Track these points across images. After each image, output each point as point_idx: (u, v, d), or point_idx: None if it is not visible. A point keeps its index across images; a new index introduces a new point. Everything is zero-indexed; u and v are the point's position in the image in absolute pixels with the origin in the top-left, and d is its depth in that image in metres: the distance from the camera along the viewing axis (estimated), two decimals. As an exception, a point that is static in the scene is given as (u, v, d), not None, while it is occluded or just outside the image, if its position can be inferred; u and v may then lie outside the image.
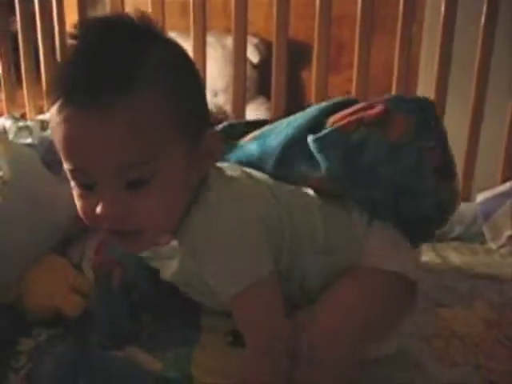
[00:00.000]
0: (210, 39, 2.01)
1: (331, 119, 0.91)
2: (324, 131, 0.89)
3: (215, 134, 0.79)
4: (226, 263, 0.76)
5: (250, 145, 0.96)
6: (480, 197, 1.50)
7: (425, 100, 0.91)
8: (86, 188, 0.72)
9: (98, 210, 0.70)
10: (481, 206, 1.46)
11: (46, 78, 1.47)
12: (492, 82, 1.50)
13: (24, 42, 1.43)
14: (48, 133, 1.19)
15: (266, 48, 2.09)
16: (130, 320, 0.93)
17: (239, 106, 1.53)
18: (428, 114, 0.89)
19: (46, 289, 0.95)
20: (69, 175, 0.73)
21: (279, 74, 1.49)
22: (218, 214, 0.76)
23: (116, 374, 0.86)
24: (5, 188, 0.98)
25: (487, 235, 1.39)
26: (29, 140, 1.13)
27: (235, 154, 0.96)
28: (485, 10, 1.45)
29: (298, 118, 0.95)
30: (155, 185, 0.70)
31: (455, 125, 1.53)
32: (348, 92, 1.59)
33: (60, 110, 0.69)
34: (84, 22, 0.78)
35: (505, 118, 1.53)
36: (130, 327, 0.93)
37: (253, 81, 2.08)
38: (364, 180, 0.89)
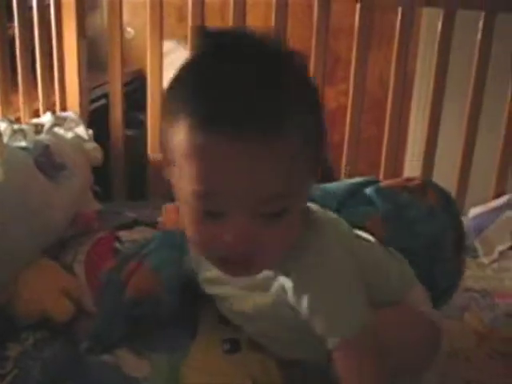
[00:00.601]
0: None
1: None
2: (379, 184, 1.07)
3: None
4: (338, 304, 0.74)
5: None
6: (472, 212, 1.51)
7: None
8: (210, 215, 0.68)
9: (229, 238, 0.67)
10: (473, 221, 1.47)
11: (42, 82, 1.47)
12: (486, 100, 1.51)
13: (21, 46, 1.42)
14: (42, 137, 1.19)
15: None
16: (127, 327, 0.93)
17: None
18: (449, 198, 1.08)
19: (36, 293, 0.94)
20: (193, 201, 0.68)
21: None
22: (329, 255, 0.75)
23: (101, 381, 0.85)
24: (-2, 190, 0.97)
25: (479, 250, 1.40)
26: (23, 143, 1.13)
27: None
28: (481, 26, 1.46)
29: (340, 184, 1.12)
30: (285, 219, 0.69)
31: (449, 139, 1.55)
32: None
33: (206, 136, 0.65)
34: (215, 37, 0.70)
35: (498, 134, 1.54)
36: (125, 332, 0.92)
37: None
38: (406, 231, 0.98)
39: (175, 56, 1.99)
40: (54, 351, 0.89)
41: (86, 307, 1.00)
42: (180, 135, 0.66)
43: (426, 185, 1.08)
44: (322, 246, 0.76)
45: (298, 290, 0.75)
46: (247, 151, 0.64)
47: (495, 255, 1.38)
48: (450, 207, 1.06)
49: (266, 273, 0.76)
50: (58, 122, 1.32)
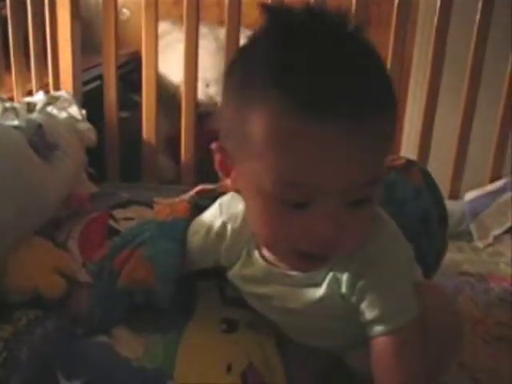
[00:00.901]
0: (203, 30, 1.99)
1: None
2: None
3: None
4: (396, 295, 0.74)
5: None
6: (468, 196, 1.51)
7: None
8: (295, 206, 0.65)
9: (317, 227, 0.65)
10: (469, 205, 1.47)
11: (35, 63, 1.45)
12: (484, 83, 1.50)
13: (13, 26, 1.40)
14: (35, 116, 1.18)
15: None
16: (123, 314, 0.92)
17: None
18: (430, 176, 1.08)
19: (27, 270, 0.93)
20: (278, 191, 0.65)
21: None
22: (394, 243, 0.75)
23: (93, 363, 0.83)
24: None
25: (474, 234, 1.40)
26: (15, 122, 1.11)
27: None
28: (480, 7, 1.45)
29: None
30: (368, 206, 0.68)
31: (446, 123, 1.54)
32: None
33: (302, 121, 0.61)
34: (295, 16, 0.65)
35: (496, 117, 1.54)
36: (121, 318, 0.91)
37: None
38: (396, 210, 0.90)
39: (171, 37, 1.98)
40: (45, 331, 0.88)
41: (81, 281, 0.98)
42: (265, 122, 0.63)
43: (409, 164, 1.06)
44: (388, 234, 0.75)
45: (360, 277, 0.73)
46: (347, 136, 0.61)
47: (490, 239, 1.38)
48: (432, 185, 1.05)
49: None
50: (51, 101, 1.31)
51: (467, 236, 1.39)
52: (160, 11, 1.51)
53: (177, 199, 1.00)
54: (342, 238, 0.66)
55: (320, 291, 0.77)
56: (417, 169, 1.06)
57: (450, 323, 0.81)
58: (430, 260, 0.99)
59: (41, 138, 1.10)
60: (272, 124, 0.62)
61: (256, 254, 0.81)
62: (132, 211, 1.21)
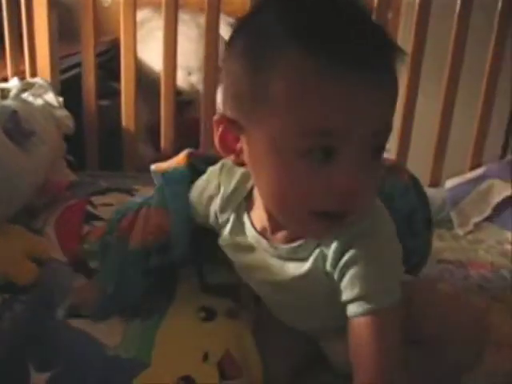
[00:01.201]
0: (184, 17, 1.97)
1: None
2: None
3: None
4: (381, 274, 0.73)
5: None
6: (449, 183, 1.51)
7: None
8: (319, 160, 0.66)
9: (346, 178, 0.65)
10: (449, 193, 1.47)
11: (11, 50, 1.42)
12: (465, 70, 1.50)
13: (8, 11, 1.38)
14: (9, 102, 1.16)
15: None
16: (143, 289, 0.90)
17: (210, 85, 1.51)
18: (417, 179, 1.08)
19: (-1, 255, 0.91)
20: (305, 143, 0.66)
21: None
22: (384, 224, 0.76)
23: (65, 353, 0.81)
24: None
25: (455, 221, 1.40)
26: (-12, 108, 1.09)
27: None
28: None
29: None
30: (380, 161, 0.70)
31: (426, 110, 1.54)
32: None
33: (328, 69, 0.64)
34: None
35: (476, 105, 1.54)
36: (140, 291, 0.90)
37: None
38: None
39: (152, 25, 1.96)
40: (13, 315, 0.86)
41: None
42: (290, 75, 0.65)
43: (397, 164, 1.11)
44: (380, 213, 0.76)
45: (346, 252, 0.73)
46: (372, 83, 0.65)
47: (470, 226, 1.39)
48: (418, 188, 1.06)
49: (310, 241, 0.76)
50: (26, 87, 1.29)
51: (448, 223, 1.40)
52: (141, -2, 1.49)
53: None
54: (361, 191, 0.67)
55: (305, 266, 0.77)
56: (404, 170, 1.08)
57: (472, 325, 0.83)
58: (413, 261, 0.99)
59: (15, 125, 1.09)
60: (298, 75, 0.65)
61: (247, 223, 0.81)
62: (111, 197, 1.20)
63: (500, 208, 1.41)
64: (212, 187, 0.86)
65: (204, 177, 0.89)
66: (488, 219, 1.40)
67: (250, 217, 0.81)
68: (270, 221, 0.78)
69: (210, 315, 0.90)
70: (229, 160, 0.77)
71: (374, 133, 0.67)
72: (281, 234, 0.78)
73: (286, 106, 0.66)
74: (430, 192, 1.48)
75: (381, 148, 0.69)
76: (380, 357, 0.71)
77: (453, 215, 1.41)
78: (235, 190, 0.83)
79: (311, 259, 0.76)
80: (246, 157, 0.73)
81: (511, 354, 0.92)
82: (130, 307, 0.89)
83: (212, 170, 0.88)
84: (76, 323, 0.86)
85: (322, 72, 0.64)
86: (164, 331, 0.87)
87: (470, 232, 1.37)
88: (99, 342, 0.84)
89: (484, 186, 1.45)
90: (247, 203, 0.82)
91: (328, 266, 0.74)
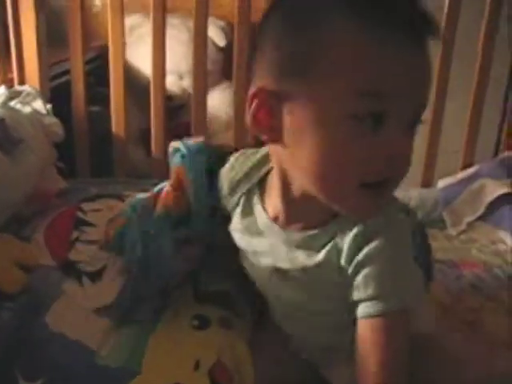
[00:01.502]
0: (175, 21, 1.97)
1: None
2: None
3: None
4: (394, 275, 0.72)
5: None
6: (441, 183, 1.51)
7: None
8: (371, 124, 0.66)
9: (398, 143, 0.67)
10: (442, 193, 1.47)
11: (17, 51, 1.42)
12: (455, 70, 1.50)
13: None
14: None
15: (232, 31, 2.06)
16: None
17: (200, 89, 1.51)
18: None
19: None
20: (359, 105, 0.66)
21: (240, 59, 1.48)
22: (399, 226, 0.75)
23: (54, 361, 0.80)
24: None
25: (447, 221, 1.40)
26: (-23, 118, 1.09)
27: None
28: None
29: None
30: (415, 135, 0.71)
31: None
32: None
33: (384, 35, 0.65)
34: None
35: (467, 105, 1.54)
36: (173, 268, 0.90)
37: (219, 64, 2.05)
38: None
39: (142, 30, 1.95)
40: (0, 322, 0.84)
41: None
42: (346, 39, 0.65)
43: (410, 208, 1.05)
44: (397, 218, 0.75)
45: (362, 249, 0.72)
46: (423, 54, 0.68)
47: (463, 226, 1.39)
48: (424, 235, 1.04)
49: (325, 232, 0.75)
50: (13, 95, 1.28)
51: (440, 223, 1.40)
52: (131, 4, 1.49)
53: None
54: (409, 156, 0.69)
55: (317, 257, 0.75)
56: (414, 215, 1.04)
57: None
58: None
59: (3, 133, 1.08)
60: (354, 39, 0.65)
61: (259, 207, 0.81)
62: (101, 204, 1.19)
63: (493, 207, 1.41)
64: (228, 165, 0.88)
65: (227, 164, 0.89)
66: (481, 218, 1.40)
67: (262, 202, 0.81)
68: (287, 211, 0.77)
69: (203, 323, 0.89)
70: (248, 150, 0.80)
71: (422, 103, 0.69)
72: (295, 226, 0.77)
73: (342, 68, 0.66)
74: (423, 192, 1.48)
75: (418, 121, 0.70)
76: (388, 358, 0.71)
77: (445, 215, 1.41)
78: (246, 175, 0.83)
79: (324, 251, 0.75)
80: (285, 129, 0.70)
81: (505, 354, 0.92)
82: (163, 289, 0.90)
83: (233, 156, 0.89)
84: (67, 330, 0.84)
85: (379, 39, 0.65)
86: (156, 339, 0.86)
87: (463, 232, 1.37)
88: (90, 349, 0.83)
89: (476, 185, 1.45)
90: (260, 189, 0.82)
91: (342, 261, 0.73)
